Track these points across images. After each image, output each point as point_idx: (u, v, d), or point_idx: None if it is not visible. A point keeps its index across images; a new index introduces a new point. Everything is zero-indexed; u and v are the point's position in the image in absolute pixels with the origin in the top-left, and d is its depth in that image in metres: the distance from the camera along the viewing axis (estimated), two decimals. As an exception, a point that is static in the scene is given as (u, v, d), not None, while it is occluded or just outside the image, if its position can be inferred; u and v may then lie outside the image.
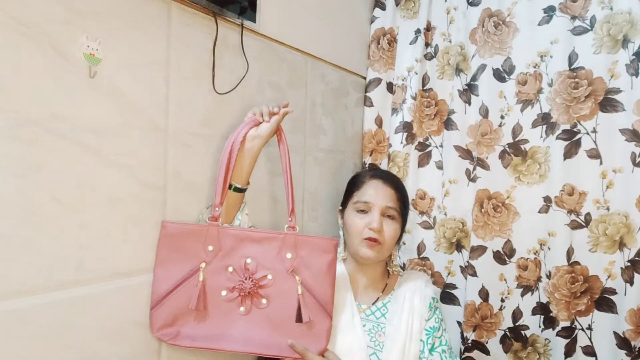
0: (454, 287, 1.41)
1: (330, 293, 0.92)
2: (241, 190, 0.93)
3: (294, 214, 0.92)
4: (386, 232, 1.01)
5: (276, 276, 0.88)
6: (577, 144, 1.20)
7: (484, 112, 1.32)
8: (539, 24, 1.26)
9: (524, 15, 1.28)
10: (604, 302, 1.19)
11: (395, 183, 1.08)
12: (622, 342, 1.16)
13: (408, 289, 1.03)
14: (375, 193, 1.04)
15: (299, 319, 0.87)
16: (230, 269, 0.86)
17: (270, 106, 0.93)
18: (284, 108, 0.93)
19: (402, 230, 1.08)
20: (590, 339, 1.20)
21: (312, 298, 0.90)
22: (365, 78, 1.53)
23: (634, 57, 1.15)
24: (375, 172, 1.12)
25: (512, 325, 1.30)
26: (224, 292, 0.86)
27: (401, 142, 1.44)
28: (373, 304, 1.04)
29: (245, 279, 0.86)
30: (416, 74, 1.43)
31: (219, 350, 0.86)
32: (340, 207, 1.13)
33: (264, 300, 0.88)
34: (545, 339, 1.27)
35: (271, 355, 0.88)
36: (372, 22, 1.54)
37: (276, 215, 1.12)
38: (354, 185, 1.10)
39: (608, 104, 1.17)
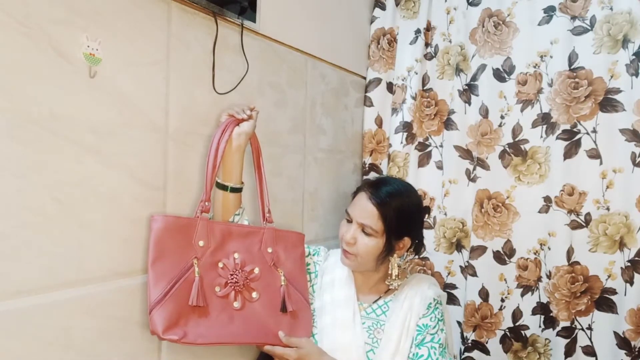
0: (454, 287, 1.41)
1: (306, 282, 1.02)
2: (237, 190, 0.93)
3: (270, 211, 0.97)
4: (359, 244, 0.98)
5: (262, 270, 0.92)
6: (577, 144, 1.20)
7: (484, 112, 1.32)
8: (539, 24, 1.26)
9: (524, 15, 1.28)
10: (604, 302, 1.19)
11: (381, 201, 0.97)
12: (622, 342, 1.16)
13: (410, 290, 1.03)
14: (356, 207, 1.00)
15: (283, 308, 0.92)
16: (221, 264, 0.87)
17: (240, 107, 0.94)
18: (254, 111, 0.95)
19: (389, 246, 0.99)
20: (590, 338, 1.20)
21: (293, 288, 0.97)
22: (365, 78, 1.53)
23: (634, 57, 1.15)
24: (369, 183, 1.03)
25: (512, 325, 1.30)
26: (217, 289, 0.86)
27: (401, 142, 1.44)
28: (374, 302, 1.04)
29: (236, 272, 0.88)
30: (416, 74, 1.43)
31: (229, 344, 0.87)
32: None
33: (254, 294, 0.90)
34: (546, 339, 1.27)
35: (271, 344, 0.90)
36: (372, 22, 1.54)
37: (274, 215, 1.12)
38: (354, 193, 1.07)
39: (608, 104, 1.17)
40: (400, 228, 0.99)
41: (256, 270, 0.91)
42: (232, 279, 0.87)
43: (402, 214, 0.98)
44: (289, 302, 0.93)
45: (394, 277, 1.02)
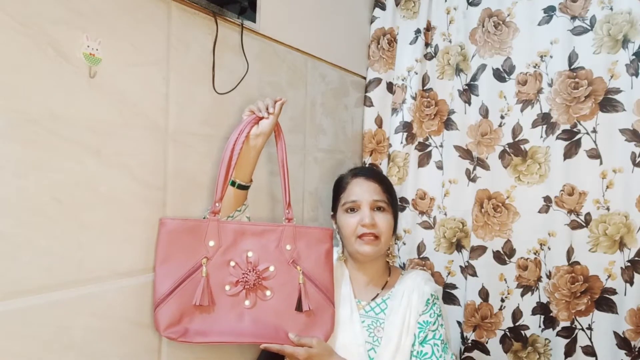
0: (454, 287, 1.41)
1: (330, 281, 0.97)
2: (245, 188, 0.93)
3: (291, 207, 0.95)
4: (380, 224, 1.02)
5: (278, 267, 0.91)
6: (577, 144, 1.20)
7: (484, 112, 1.32)
8: (539, 24, 1.26)
9: (524, 15, 1.28)
10: (604, 302, 1.19)
11: (377, 177, 1.10)
12: (622, 342, 1.16)
13: (407, 287, 1.04)
14: (360, 190, 1.05)
15: (299, 307, 0.90)
16: (232, 263, 0.87)
17: (265, 103, 0.93)
18: (278, 102, 0.94)
19: (395, 221, 1.08)
20: (590, 339, 1.20)
21: (314, 287, 0.94)
22: (365, 78, 1.53)
23: (633, 57, 1.15)
24: (356, 170, 1.13)
25: (512, 325, 1.30)
26: (227, 287, 0.86)
27: (401, 142, 1.44)
28: (372, 299, 1.05)
29: (249, 271, 0.87)
30: (416, 74, 1.43)
31: (231, 343, 0.86)
32: (332, 213, 1.15)
33: (268, 292, 0.89)
34: (545, 339, 1.27)
35: (281, 343, 0.89)
36: (372, 22, 1.54)
37: (275, 214, 1.12)
38: (339, 188, 1.11)
39: (608, 104, 1.17)
40: (395, 200, 1.11)
41: (271, 268, 0.90)
42: (244, 277, 0.87)
43: (392, 187, 1.12)
44: (305, 301, 0.91)
45: (393, 255, 1.13)
